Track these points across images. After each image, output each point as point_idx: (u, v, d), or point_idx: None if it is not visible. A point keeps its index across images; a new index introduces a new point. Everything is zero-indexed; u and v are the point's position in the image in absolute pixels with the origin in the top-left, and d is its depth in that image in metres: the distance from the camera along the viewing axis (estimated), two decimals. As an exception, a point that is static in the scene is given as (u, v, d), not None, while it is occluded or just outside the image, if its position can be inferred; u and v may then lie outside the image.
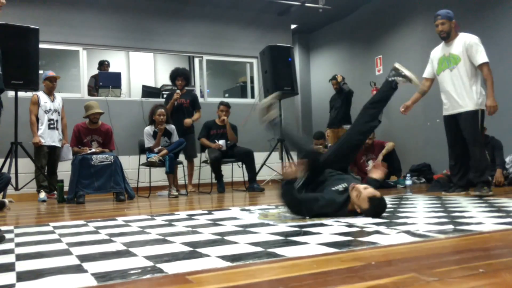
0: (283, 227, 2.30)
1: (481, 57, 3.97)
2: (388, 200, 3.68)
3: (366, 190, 2.53)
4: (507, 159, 5.18)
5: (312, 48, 10.06)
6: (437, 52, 4.34)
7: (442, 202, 3.38)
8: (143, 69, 8.85)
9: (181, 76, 6.27)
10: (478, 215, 2.50)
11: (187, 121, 6.15)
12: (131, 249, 1.83)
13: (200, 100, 7.62)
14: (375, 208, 2.52)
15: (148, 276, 1.38)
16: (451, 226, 2.12)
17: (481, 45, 4.02)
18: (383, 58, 7.91)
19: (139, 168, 5.76)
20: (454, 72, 4.12)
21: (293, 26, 8.91)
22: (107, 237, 2.21)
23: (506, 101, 5.29)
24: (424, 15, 7.07)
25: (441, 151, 6.54)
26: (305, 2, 7.61)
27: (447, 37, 4.16)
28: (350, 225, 2.28)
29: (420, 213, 2.71)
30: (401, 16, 7.50)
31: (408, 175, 5.86)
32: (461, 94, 4.06)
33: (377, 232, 2.04)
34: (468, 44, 4.03)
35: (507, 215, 2.48)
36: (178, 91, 6.17)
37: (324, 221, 2.49)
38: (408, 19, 7.39)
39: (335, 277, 1.30)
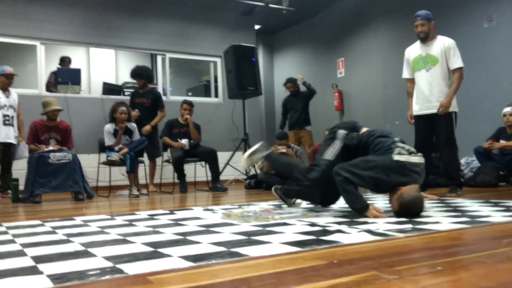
0: (247, 227, 2.30)
1: (458, 61, 4.08)
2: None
3: (404, 195, 2.49)
4: (462, 161, 5.36)
5: (275, 49, 10.12)
6: (413, 51, 4.33)
7: (401, 202, 3.45)
8: (104, 66, 8.65)
9: (139, 75, 6.17)
10: (435, 215, 2.57)
11: (146, 128, 5.95)
12: (89, 250, 1.78)
13: (163, 98, 7.52)
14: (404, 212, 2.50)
15: (107, 277, 1.34)
16: (410, 225, 2.17)
17: (457, 49, 4.11)
18: (345, 61, 8.04)
19: (98, 167, 5.62)
20: (430, 72, 4.14)
21: (257, 27, 8.93)
22: (65, 237, 2.14)
23: (463, 105, 5.48)
24: (385, 19, 7.24)
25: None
26: (269, 3, 7.64)
27: (426, 38, 4.19)
28: (312, 224, 2.30)
29: (380, 212, 2.76)
30: (363, 20, 7.65)
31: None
32: (437, 95, 4.12)
33: (339, 231, 2.06)
34: (446, 47, 4.10)
35: (462, 214, 2.56)
36: (136, 110, 6.02)
37: (288, 220, 2.50)
38: (370, 23, 7.54)
39: (298, 276, 1.30)
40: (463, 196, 3.78)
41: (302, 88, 7.09)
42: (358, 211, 2.60)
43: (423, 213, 2.64)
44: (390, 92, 6.94)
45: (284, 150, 5.61)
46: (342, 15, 8.08)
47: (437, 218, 2.43)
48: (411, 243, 1.79)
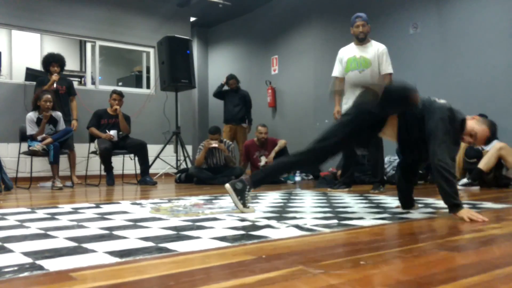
0: (176, 221, 2.27)
1: (389, 67, 4.31)
2: (279, 195, 3.81)
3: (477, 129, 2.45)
4: (385, 160, 5.62)
5: (210, 43, 10.05)
6: (347, 52, 4.48)
7: (327, 198, 3.57)
8: (28, 51, 8.15)
9: (57, 62, 5.93)
10: (359, 211, 2.68)
11: (75, 124, 5.97)
12: (6, 245, 1.68)
13: (91, 87, 7.26)
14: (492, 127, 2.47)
15: (25, 274, 1.27)
16: (335, 221, 2.25)
17: (389, 55, 4.33)
18: (279, 58, 8.15)
19: (19, 157, 5.31)
20: (363, 74, 4.32)
21: (192, 19, 8.83)
22: (-22, 232, 2.00)
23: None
24: (318, 20, 7.42)
25: (329, 150, 6.93)
26: (206, -4, 7.58)
27: (364, 39, 4.37)
28: (242, 219, 2.31)
29: (308, 208, 2.84)
30: (298, 19, 7.79)
31: (297, 171, 6.11)
32: None
33: (268, 226, 2.09)
34: (380, 52, 4.31)
35: (384, 210, 2.69)
36: (55, 74, 5.79)
37: (218, 215, 2.50)
38: (304, 23, 7.69)
39: (226, 272, 1.31)
40: (385, 193, 3.97)
41: (242, 86, 7.24)
42: (452, 207, 2.36)
43: (348, 209, 2.75)
44: (321, 91, 7.13)
45: (216, 145, 5.59)
46: (277, 13, 8.18)
47: (361, 214, 2.54)
48: (337, 238, 1.86)
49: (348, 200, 3.39)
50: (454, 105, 2.49)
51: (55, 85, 5.79)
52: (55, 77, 5.74)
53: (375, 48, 4.36)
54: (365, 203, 3.17)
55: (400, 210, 2.72)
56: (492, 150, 4.55)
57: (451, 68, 5.63)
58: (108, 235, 1.90)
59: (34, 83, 6.49)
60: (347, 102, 4.40)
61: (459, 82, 5.51)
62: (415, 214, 2.53)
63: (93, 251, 1.57)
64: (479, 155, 4.70)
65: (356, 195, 3.86)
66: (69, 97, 6.07)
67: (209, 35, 10.06)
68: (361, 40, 4.38)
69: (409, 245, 1.69)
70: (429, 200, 3.26)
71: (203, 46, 10.03)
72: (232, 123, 7.07)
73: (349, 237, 1.88)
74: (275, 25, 8.24)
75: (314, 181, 6.01)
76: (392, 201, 3.22)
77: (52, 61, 5.90)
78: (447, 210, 2.70)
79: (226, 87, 7.26)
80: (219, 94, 7.27)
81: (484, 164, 4.50)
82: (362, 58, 4.36)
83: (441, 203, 3.05)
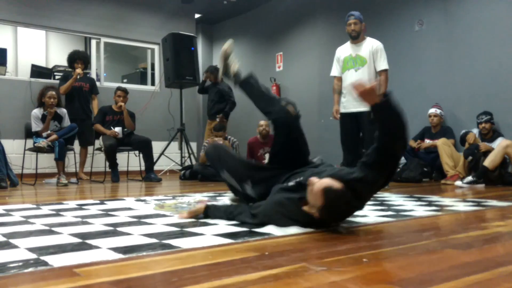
0: (180, 218, 2.27)
1: (384, 63, 4.31)
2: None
3: (321, 181, 1.81)
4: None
5: (215, 39, 10.04)
6: (343, 51, 4.52)
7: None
8: (34, 47, 8.18)
9: (81, 59, 6.07)
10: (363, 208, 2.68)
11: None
12: (11, 241, 1.69)
13: (96, 84, 7.27)
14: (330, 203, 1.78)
15: (30, 269, 1.28)
16: (339, 218, 2.24)
17: (384, 52, 4.34)
18: (284, 55, 8.14)
19: (24, 154, 5.34)
20: (358, 72, 4.35)
21: (197, 15, 8.82)
22: (-16, 228, 2.01)
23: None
24: (323, 17, 7.40)
25: (333, 147, 6.90)
26: (211, -8, 7.57)
27: (357, 37, 4.38)
28: (246, 217, 2.31)
29: (312, 205, 2.83)
30: (302, 16, 7.77)
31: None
32: None
33: (272, 223, 2.09)
34: (374, 49, 4.32)
35: (388, 208, 2.69)
36: (79, 68, 5.89)
37: (221, 212, 2.50)
38: (309, 19, 7.67)
39: (229, 268, 1.31)
40: (389, 191, 3.96)
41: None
42: None
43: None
44: (326, 89, 7.10)
45: (221, 142, 5.60)
46: (282, 10, 8.16)
47: (365, 211, 2.53)
48: (340, 235, 1.86)
49: (352, 197, 3.39)
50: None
51: (78, 77, 5.89)
52: (79, 70, 5.86)
53: (370, 45, 4.37)
54: (369, 200, 3.16)
55: (404, 208, 2.71)
56: (498, 148, 4.53)
57: (457, 65, 5.60)
58: (112, 231, 1.91)
59: (40, 80, 6.55)
60: (346, 101, 4.46)
61: (465, 79, 5.48)
62: (419, 212, 2.52)
63: (97, 247, 1.57)
64: (473, 152, 4.70)
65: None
66: (91, 95, 6.26)
67: (214, 32, 10.04)
68: (355, 38, 4.42)
69: (412, 243, 1.69)
70: (434, 198, 3.25)
71: (208, 43, 10.01)
72: (210, 118, 6.82)
73: (352, 235, 1.88)
74: (280, 22, 8.22)
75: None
76: (396, 199, 3.21)
77: (77, 58, 6.07)
78: (451, 208, 2.69)
79: (209, 82, 6.88)
80: (202, 90, 6.99)
81: (489, 161, 4.49)
82: (358, 56, 4.39)
83: (445, 201, 3.05)
